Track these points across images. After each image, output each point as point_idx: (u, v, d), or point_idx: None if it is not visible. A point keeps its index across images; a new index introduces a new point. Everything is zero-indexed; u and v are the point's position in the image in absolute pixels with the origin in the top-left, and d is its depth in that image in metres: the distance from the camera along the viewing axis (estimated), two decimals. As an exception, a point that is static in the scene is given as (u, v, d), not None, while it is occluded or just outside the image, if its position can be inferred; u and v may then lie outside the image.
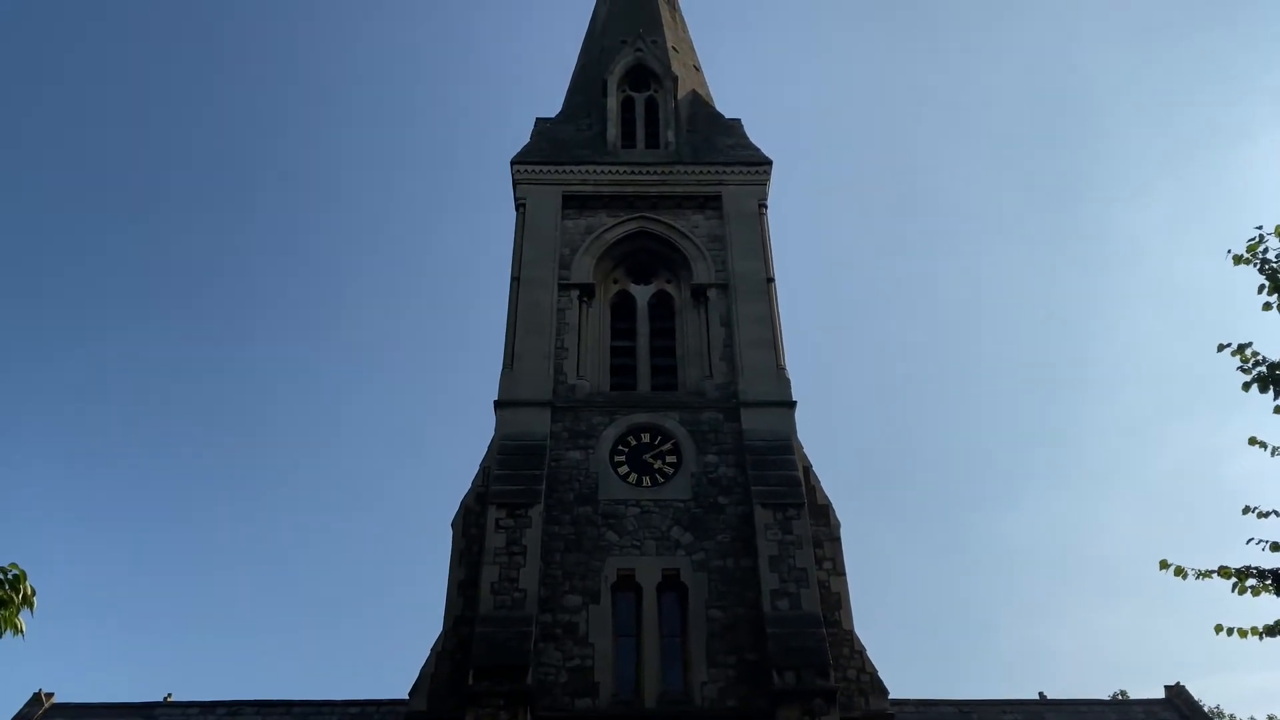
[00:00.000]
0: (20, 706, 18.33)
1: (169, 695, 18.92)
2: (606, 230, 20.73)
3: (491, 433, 17.83)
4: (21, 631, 5.85)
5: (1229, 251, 10.04)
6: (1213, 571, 9.61)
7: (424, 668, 15.35)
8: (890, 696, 15.45)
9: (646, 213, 21.01)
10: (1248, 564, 9.51)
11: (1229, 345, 9.98)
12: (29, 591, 5.85)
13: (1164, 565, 9.79)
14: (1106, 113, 63.01)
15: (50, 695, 18.62)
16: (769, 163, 21.78)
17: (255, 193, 64.37)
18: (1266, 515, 9.51)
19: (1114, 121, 62.94)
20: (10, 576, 5.79)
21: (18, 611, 5.81)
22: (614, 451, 17.65)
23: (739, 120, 23.26)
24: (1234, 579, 9.52)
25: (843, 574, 16.44)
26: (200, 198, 62.17)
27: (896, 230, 64.19)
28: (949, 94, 66.08)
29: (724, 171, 21.50)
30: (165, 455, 55.57)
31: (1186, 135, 63.71)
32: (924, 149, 66.01)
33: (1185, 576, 9.68)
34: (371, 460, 57.39)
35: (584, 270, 20.10)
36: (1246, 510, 9.63)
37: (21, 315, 54.64)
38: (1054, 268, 60.29)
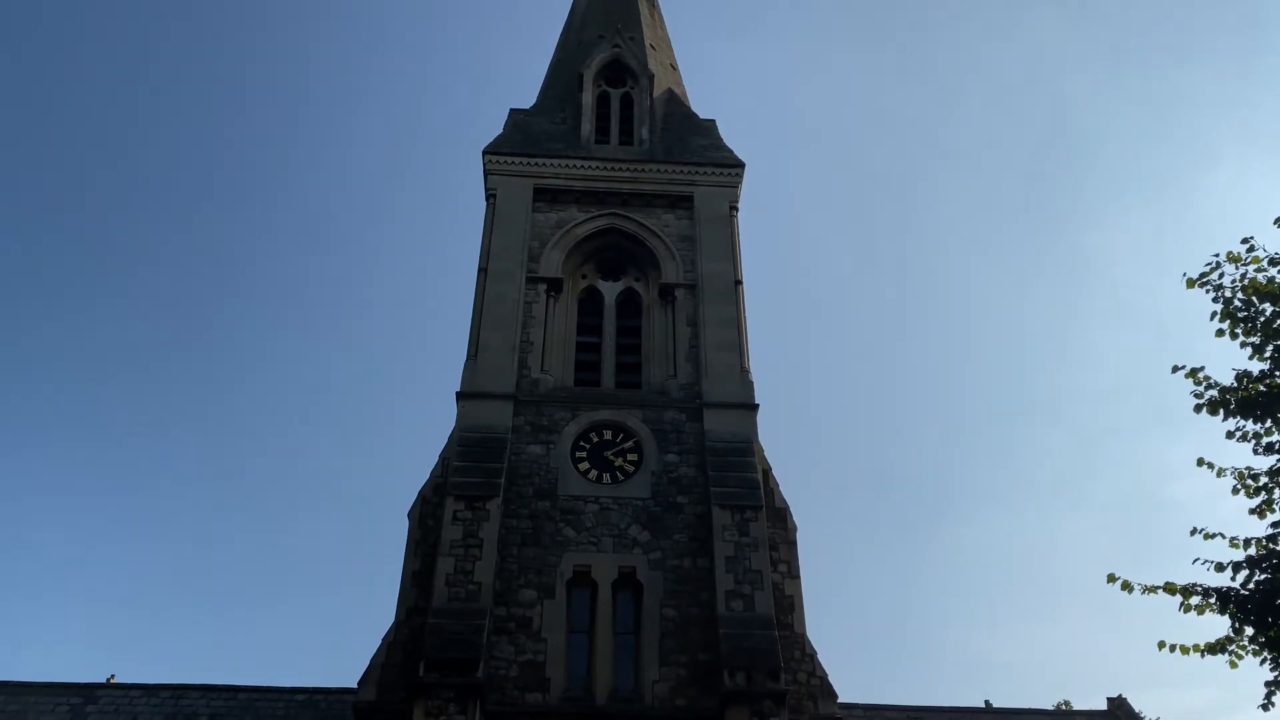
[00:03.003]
0: (-42, 684, 17.96)
1: (112, 677, 18.65)
2: (577, 225, 20.70)
3: (452, 424, 17.75)
4: (-37, 610, 5.75)
5: (1184, 275, 10.29)
6: (1158, 587, 9.85)
7: (374, 657, 15.25)
8: (839, 701, 15.58)
9: (618, 209, 21.00)
10: (1193, 582, 9.74)
11: (1183, 368, 10.22)
12: (-28, 570, 5.75)
13: (1111, 579, 10.01)
14: (1082, 137, 63.91)
15: (-11, 673, 18.27)
16: (742, 165, 21.86)
17: (216, 177, 63.46)
18: (1213, 537, 9.75)
19: (1088, 146, 63.87)
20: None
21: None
22: (575, 447, 17.64)
23: (714, 121, 23.32)
24: (1179, 596, 9.75)
25: (797, 577, 16.57)
26: (158, 185, 61.22)
27: (867, 240, 64.74)
28: (927, 110, 66.65)
29: (697, 172, 21.55)
30: (113, 436, 54.73)
31: (1156, 161, 64.89)
32: (899, 162, 66.62)
33: (1132, 590, 9.91)
34: (329, 447, 56.89)
35: (552, 264, 20.05)
36: (1194, 532, 9.85)
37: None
38: (1020, 284, 61.16)
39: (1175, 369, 10.20)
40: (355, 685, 15.18)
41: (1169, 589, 9.75)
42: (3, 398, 52.84)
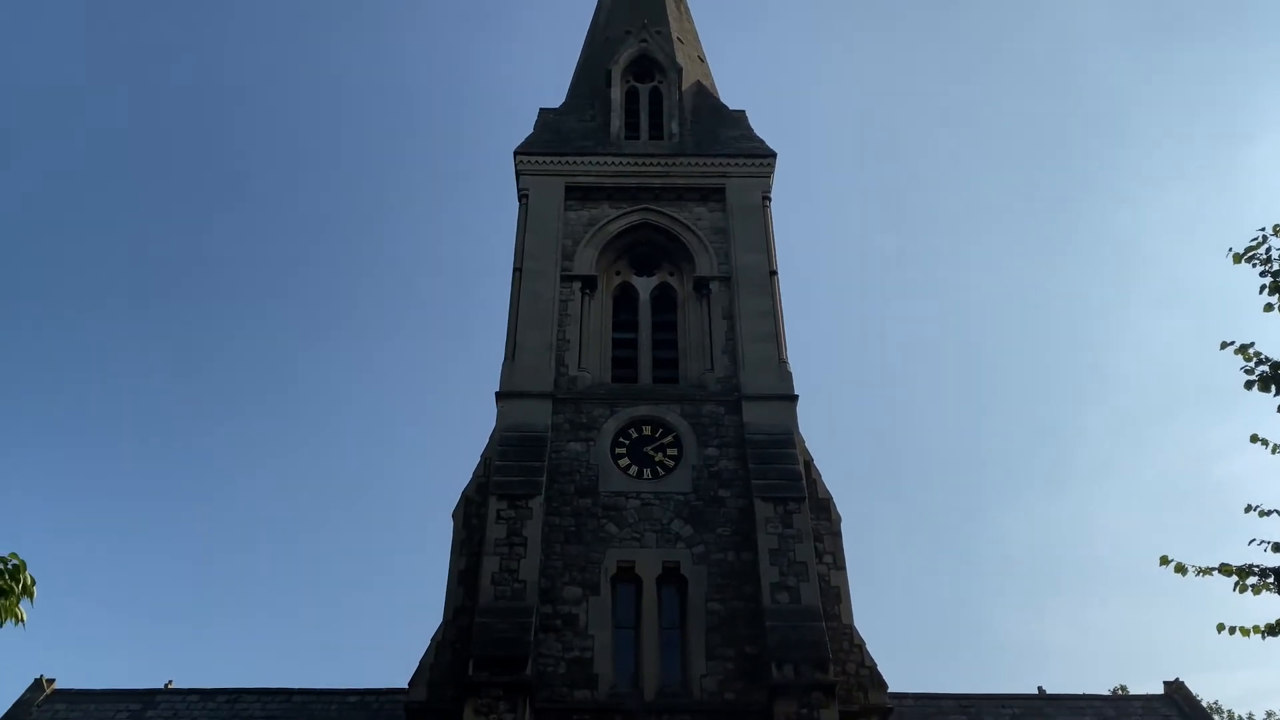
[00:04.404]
0: (21, 692, 18.40)
1: (169, 682, 18.98)
2: (609, 222, 20.70)
3: (493, 424, 17.85)
4: (22, 620, 5.89)
5: (1229, 250, 10.03)
6: (1213, 569, 9.61)
7: (424, 658, 15.39)
8: (890, 690, 15.46)
9: (649, 204, 20.97)
10: (1249, 562, 9.51)
11: (1232, 344, 9.97)
12: (29, 581, 5.88)
13: (1165, 561, 9.77)
14: (1115, 113, 62.80)
15: (51, 681, 18.69)
16: (773, 155, 21.72)
17: (258, 182, 64.33)
18: (1268, 514, 9.51)
19: (1122, 121, 62.71)
20: (10, 566, 5.82)
21: (18, 601, 5.84)
22: (615, 444, 17.65)
23: (743, 112, 23.19)
24: (1234, 577, 9.52)
25: (843, 568, 16.46)
26: (206, 183, 62.11)
27: (901, 226, 64.08)
28: (957, 92, 65.83)
29: (728, 164, 21.44)
30: (166, 443, 55.60)
31: (1194, 136, 63.49)
32: (930, 146, 65.85)
33: (1185, 573, 9.68)
34: (373, 450, 57.47)
35: (586, 262, 20.07)
36: (1249, 509, 9.62)
37: (16, 292, 54.61)
38: (1059, 267, 60.15)
39: (1224, 345, 9.94)
40: (406, 686, 15.34)
41: (1224, 570, 9.50)
42: (49, 404, 54.02)
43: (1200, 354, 55.24)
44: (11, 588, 5.80)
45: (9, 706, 17.97)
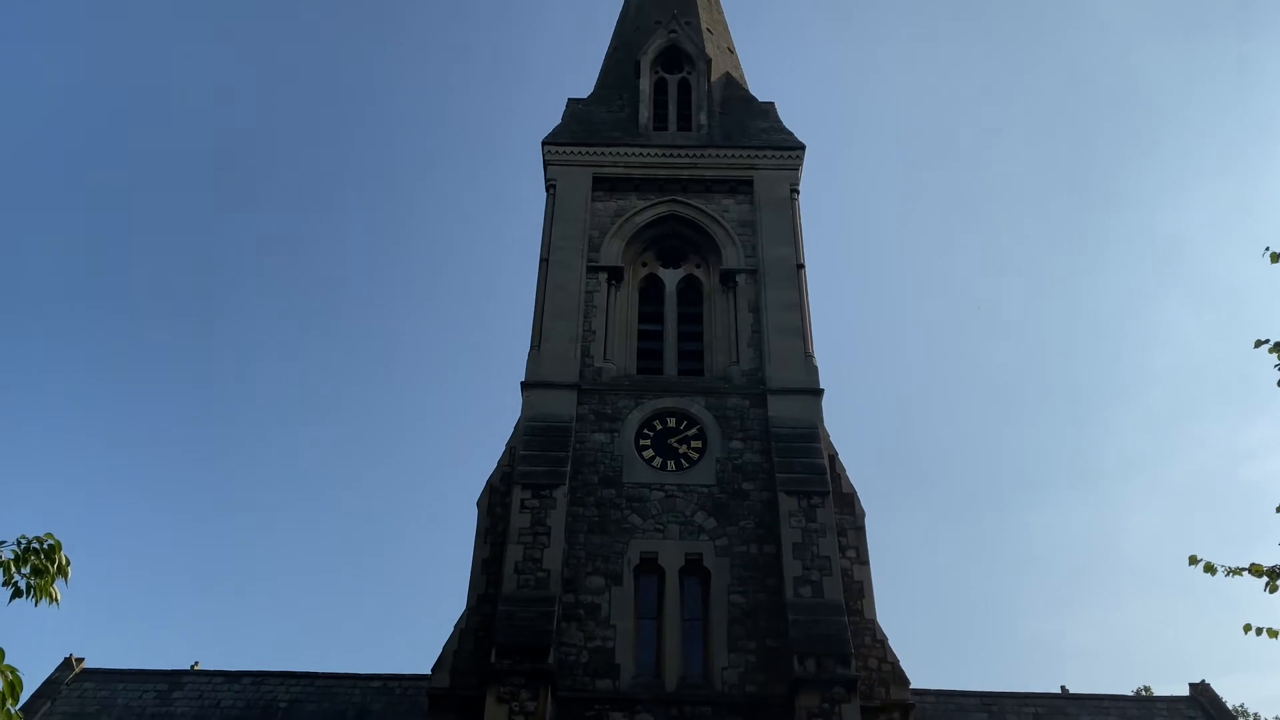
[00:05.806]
0: (52, 670, 18.70)
1: (196, 663, 19.24)
2: (636, 213, 20.69)
3: (518, 413, 17.92)
4: (56, 601, 5.96)
5: (1266, 249, 9.88)
6: (1243, 569, 9.50)
7: (447, 645, 15.50)
8: (911, 687, 15.42)
9: (677, 196, 20.94)
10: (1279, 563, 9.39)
11: (1266, 342, 9.83)
12: (64, 562, 5.95)
13: (1193, 561, 9.67)
14: (1148, 109, 61.96)
15: (81, 660, 18.98)
16: (802, 147, 21.61)
17: (279, 174, 64.75)
18: (1300, 515, 9.37)
19: (1155, 118, 61.91)
20: (46, 547, 5.90)
21: (53, 581, 5.92)
22: (639, 435, 17.68)
23: (772, 104, 23.10)
24: (1265, 578, 9.41)
25: (866, 563, 16.42)
26: (227, 177, 62.61)
27: (931, 220, 63.59)
28: (993, 87, 65.18)
29: (756, 155, 21.36)
30: (193, 431, 56.25)
31: (1229, 132, 62.52)
32: (964, 141, 65.25)
33: (1215, 573, 9.57)
34: (399, 437, 57.84)
35: (613, 253, 20.07)
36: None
37: (40, 260, 55.35)
38: (1088, 262, 59.52)
39: (1259, 343, 9.81)
40: (429, 672, 15.46)
41: (1255, 571, 9.39)
42: (77, 390, 54.76)
43: (1232, 352, 54.49)
44: (47, 568, 5.87)
45: (39, 684, 18.27)
